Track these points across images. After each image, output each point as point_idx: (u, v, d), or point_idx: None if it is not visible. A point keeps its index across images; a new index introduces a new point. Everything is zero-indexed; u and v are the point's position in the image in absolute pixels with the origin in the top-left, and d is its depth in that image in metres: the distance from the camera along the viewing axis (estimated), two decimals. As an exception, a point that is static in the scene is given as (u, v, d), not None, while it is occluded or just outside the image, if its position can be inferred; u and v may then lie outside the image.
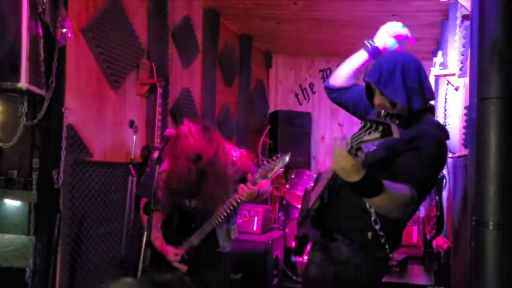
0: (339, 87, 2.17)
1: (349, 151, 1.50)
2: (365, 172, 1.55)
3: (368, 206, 1.84)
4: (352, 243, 1.91)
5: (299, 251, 2.09)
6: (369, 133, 1.41)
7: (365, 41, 2.13)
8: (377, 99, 1.90)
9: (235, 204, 2.58)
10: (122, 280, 0.83)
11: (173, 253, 2.66)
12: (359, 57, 2.15)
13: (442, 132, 1.90)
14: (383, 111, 1.84)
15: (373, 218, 1.84)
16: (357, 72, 2.15)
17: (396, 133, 1.37)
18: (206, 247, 2.66)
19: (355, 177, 1.55)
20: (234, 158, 2.69)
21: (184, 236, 2.68)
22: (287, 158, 2.48)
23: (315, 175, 2.75)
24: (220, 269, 2.71)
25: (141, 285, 0.82)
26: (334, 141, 1.57)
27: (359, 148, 1.51)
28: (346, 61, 2.18)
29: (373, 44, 2.11)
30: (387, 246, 1.89)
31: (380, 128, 1.38)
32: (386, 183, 1.63)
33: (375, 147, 1.88)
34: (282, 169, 2.53)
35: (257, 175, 2.52)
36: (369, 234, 1.87)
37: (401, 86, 1.83)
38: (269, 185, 2.73)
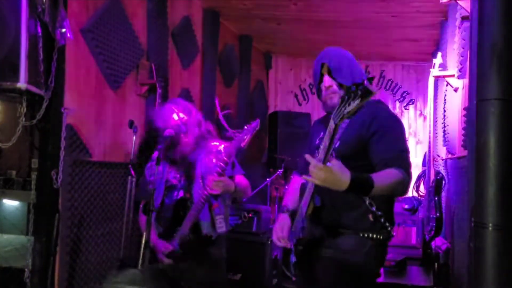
0: None
1: (323, 162, 1.62)
2: (351, 175, 1.65)
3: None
4: (356, 232, 1.98)
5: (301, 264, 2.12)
6: (349, 104, 1.48)
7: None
8: (327, 81, 2.05)
9: (206, 195, 2.58)
10: (127, 270, 0.84)
11: (160, 251, 2.64)
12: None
13: (385, 105, 2.10)
14: (327, 96, 2.05)
15: (367, 202, 1.96)
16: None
17: (373, 89, 1.44)
18: (196, 232, 2.65)
19: (345, 183, 1.65)
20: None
21: (176, 226, 2.68)
22: (256, 124, 2.52)
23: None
24: (212, 254, 2.69)
25: (144, 275, 0.83)
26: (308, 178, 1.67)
27: (327, 159, 1.63)
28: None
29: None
30: (387, 224, 1.99)
31: (359, 92, 1.44)
32: (375, 176, 1.74)
33: (339, 142, 1.97)
34: (249, 136, 2.53)
35: (232, 147, 2.53)
36: (370, 216, 1.97)
37: (348, 73, 2.02)
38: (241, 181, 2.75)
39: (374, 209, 1.96)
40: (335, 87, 2.04)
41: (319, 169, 1.63)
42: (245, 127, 2.53)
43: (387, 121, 1.97)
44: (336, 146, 1.96)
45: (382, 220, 1.98)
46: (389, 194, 1.88)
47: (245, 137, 2.51)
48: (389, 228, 2.01)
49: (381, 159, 1.88)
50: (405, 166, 1.85)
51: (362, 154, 1.95)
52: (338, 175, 1.65)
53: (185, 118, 2.67)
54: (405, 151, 1.92)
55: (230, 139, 2.59)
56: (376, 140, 1.93)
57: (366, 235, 1.98)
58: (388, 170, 1.82)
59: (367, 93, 1.43)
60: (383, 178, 1.77)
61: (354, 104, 1.46)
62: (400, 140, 1.94)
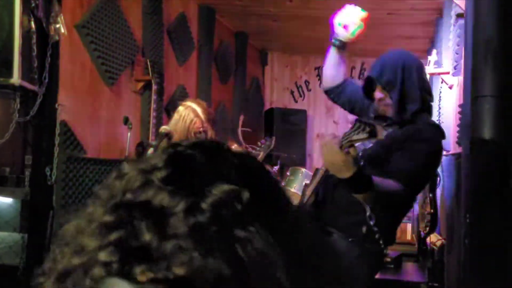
0: (332, 88, 2.23)
1: (340, 147, 1.57)
2: (356, 169, 1.60)
3: (362, 202, 1.89)
4: (347, 237, 1.95)
5: None
6: (358, 133, 1.50)
7: (331, 40, 2.19)
8: (378, 94, 1.95)
9: None
10: None
11: None
12: (333, 55, 2.20)
13: (435, 132, 1.95)
14: (379, 108, 1.95)
15: (368, 214, 1.89)
16: (339, 68, 2.21)
17: (380, 134, 1.46)
18: None
19: (346, 173, 1.60)
20: None
21: None
22: (272, 143, 2.49)
23: (311, 173, 2.75)
24: None
25: None
26: (323, 139, 1.64)
27: (352, 145, 1.57)
28: (325, 63, 2.25)
29: (338, 39, 2.19)
30: (381, 241, 1.93)
31: (367, 129, 1.47)
32: (376, 179, 1.68)
33: (371, 144, 1.92)
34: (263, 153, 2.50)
35: None
36: (364, 229, 1.92)
37: (400, 85, 1.89)
38: None
39: (371, 223, 1.90)
40: (388, 100, 1.93)
41: (334, 153, 1.59)
42: (260, 143, 2.50)
43: (421, 144, 1.87)
44: (368, 147, 1.92)
45: (377, 236, 1.92)
46: (376, 201, 1.80)
47: (259, 154, 2.48)
48: (382, 246, 1.95)
49: (390, 169, 1.83)
50: (408, 186, 1.78)
51: (379, 161, 1.89)
52: (345, 163, 1.59)
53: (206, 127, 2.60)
54: (417, 176, 1.84)
55: None
56: (399, 154, 1.86)
57: (355, 242, 1.93)
58: (391, 181, 1.77)
59: (373, 134, 1.47)
60: (382, 184, 1.72)
61: (360, 136, 1.50)
62: (421, 165, 1.85)
